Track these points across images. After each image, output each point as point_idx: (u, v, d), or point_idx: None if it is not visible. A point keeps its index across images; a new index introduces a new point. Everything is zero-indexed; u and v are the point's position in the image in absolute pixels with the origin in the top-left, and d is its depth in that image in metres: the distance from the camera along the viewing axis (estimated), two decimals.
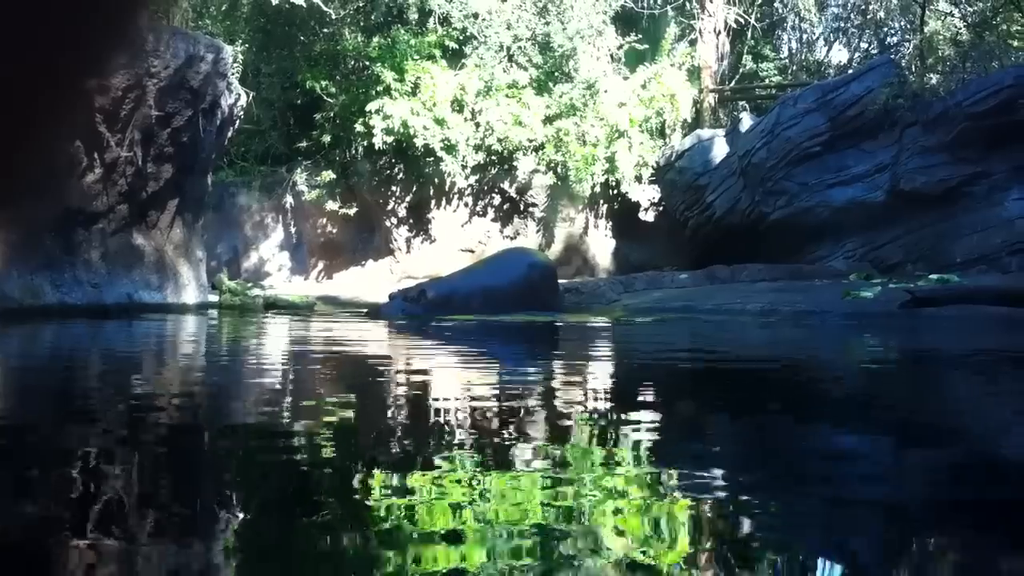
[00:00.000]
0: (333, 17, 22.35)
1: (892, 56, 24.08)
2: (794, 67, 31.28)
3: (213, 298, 15.58)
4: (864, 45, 32.42)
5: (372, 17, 23.08)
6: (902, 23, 31.45)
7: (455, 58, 22.35)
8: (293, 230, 23.03)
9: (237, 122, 16.47)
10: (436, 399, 5.04)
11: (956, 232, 17.25)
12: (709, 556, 2.14)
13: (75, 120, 0.63)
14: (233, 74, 15.78)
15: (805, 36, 32.93)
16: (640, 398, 5.24)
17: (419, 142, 21.01)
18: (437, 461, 3.09)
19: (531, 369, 7.00)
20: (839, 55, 32.90)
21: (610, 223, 23.64)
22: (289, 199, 22.67)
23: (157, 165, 13.72)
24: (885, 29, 31.95)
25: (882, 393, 5.65)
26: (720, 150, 21.11)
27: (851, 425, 4.28)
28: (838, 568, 2.18)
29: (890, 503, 2.71)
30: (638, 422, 4.16)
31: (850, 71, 24.55)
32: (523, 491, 2.66)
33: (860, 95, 18.91)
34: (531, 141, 21.84)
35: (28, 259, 12.03)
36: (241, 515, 2.51)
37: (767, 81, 27.66)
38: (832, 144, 18.93)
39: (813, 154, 19.00)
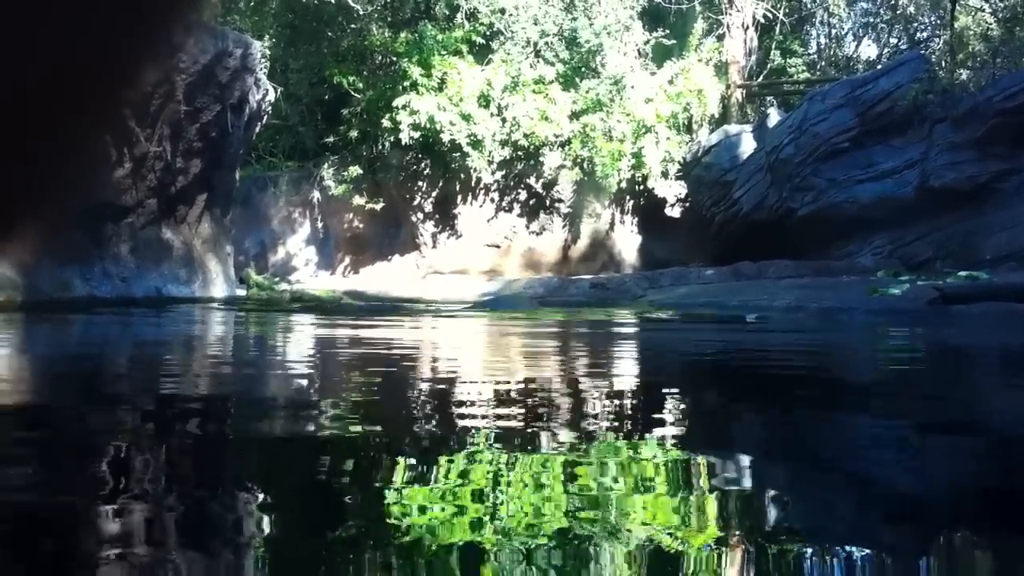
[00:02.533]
0: (360, 13, 22.43)
1: (922, 51, 23.94)
2: (822, 62, 31.15)
3: (241, 292, 15.67)
4: (893, 40, 32.26)
5: (399, 13, 23.15)
6: (932, 18, 31.27)
7: (482, 53, 22.38)
8: (320, 225, 23.14)
9: (265, 117, 16.57)
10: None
11: (986, 229, 17.11)
12: None
13: (114, 117, 0.65)
14: (261, 70, 15.87)
15: (834, 31, 32.80)
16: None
17: (445, 137, 21.05)
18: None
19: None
20: (868, 50, 32.77)
21: (636, 219, 23.62)
22: (316, 194, 22.78)
23: (186, 160, 13.82)
24: (915, 24, 31.77)
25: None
26: (747, 146, 21.04)
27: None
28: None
29: None
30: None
31: (879, 67, 24.41)
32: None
33: (889, 91, 18.80)
34: (557, 136, 21.84)
35: (58, 253, 12.14)
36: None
37: (795, 76, 27.53)
38: (860, 140, 18.83)
39: (841, 150, 18.91)
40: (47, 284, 11.91)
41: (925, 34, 31.65)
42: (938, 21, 30.53)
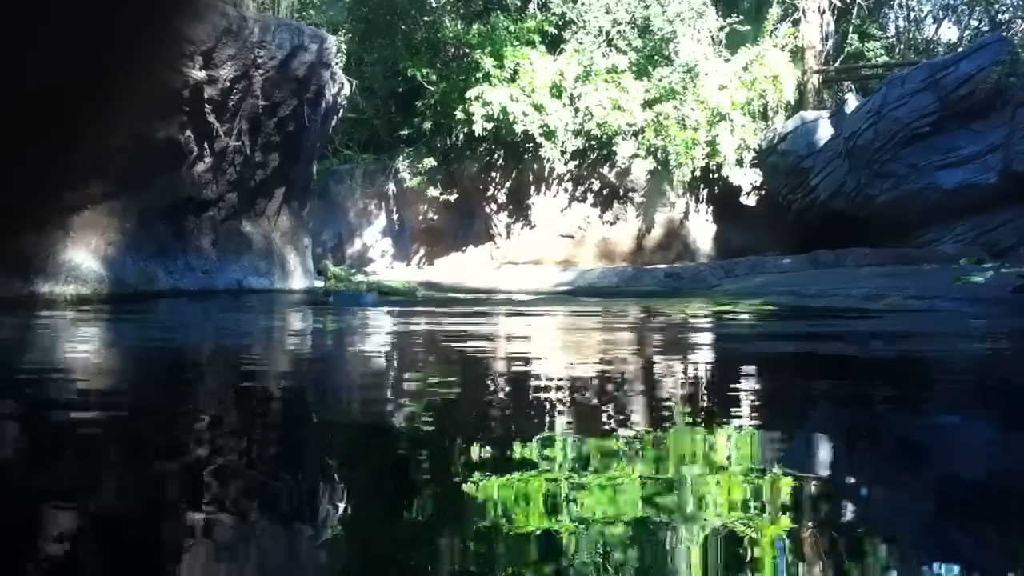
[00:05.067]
0: (433, 5, 22.57)
1: (1004, 34, 23.34)
2: (901, 46, 30.55)
3: (319, 284, 15.85)
4: (974, 23, 31.50)
5: (472, 4, 23.24)
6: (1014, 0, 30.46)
7: (554, 43, 22.36)
8: (395, 216, 23.34)
9: (341, 111, 16.72)
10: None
11: None
12: None
13: (155, 100, 0.65)
14: (337, 63, 16.02)
15: (912, 14, 32.12)
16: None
17: (518, 128, 21.08)
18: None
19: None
20: (948, 33, 32.06)
21: (711, 207, 23.41)
22: (391, 186, 22.99)
23: (265, 154, 14.03)
24: (996, 6, 30.96)
25: None
26: (824, 132, 20.73)
27: None
28: None
29: None
30: None
31: (960, 49, 23.88)
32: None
33: (971, 74, 18.37)
34: (630, 126, 21.73)
35: (142, 246, 12.44)
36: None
37: (873, 61, 27.07)
38: (941, 125, 18.43)
39: (922, 135, 18.53)
40: (132, 277, 12.20)
41: (1006, 16, 30.83)
42: (1020, 2, 29.79)
